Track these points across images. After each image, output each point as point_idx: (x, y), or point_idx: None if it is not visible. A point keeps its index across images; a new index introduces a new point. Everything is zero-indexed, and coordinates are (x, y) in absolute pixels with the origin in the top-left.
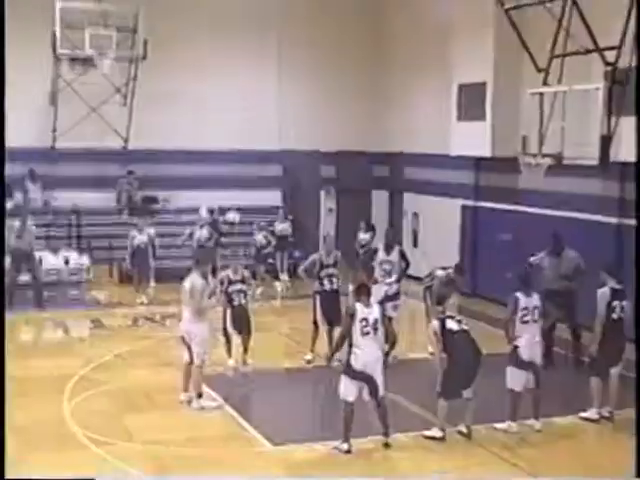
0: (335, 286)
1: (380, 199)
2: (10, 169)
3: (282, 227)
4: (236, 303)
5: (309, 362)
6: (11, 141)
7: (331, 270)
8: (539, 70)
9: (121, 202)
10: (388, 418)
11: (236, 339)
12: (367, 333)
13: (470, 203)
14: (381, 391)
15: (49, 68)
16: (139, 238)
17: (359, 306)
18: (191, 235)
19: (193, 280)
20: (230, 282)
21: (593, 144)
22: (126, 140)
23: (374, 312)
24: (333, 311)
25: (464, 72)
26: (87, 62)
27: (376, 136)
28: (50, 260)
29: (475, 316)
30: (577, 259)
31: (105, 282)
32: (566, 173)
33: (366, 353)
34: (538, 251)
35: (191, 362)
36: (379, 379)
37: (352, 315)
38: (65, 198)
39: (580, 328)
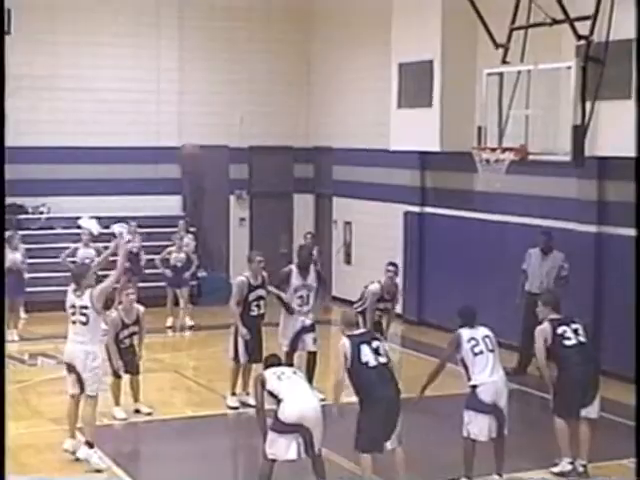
0: (262, 310)
1: (304, 205)
2: None
3: (185, 242)
4: (125, 345)
5: (234, 409)
6: None
7: (260, 292)
8: (497, 46)
9: None
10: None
11: (124, 385)
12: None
13: (415, 209)
14: (318, 444)
15: None
16: (11, 258)
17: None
18: (74, 254)
19: (93, 295)
20: (124, 326)
21: (564, 135)
22: None
23: None
24: (256, 343)
25: (406, 48)
26: None
27: (298, 128)
28: None
29: (422, 348)
30: (562, 262)
31: None
32: (532, 171)
33: (301, 403)
34: (500, 268)
35: (81, 391)
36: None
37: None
38: None
39: None
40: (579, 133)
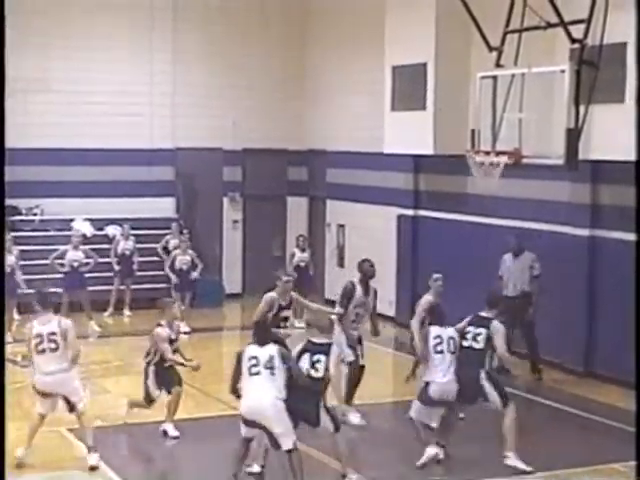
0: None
1: (297, 208)
2: None
3: (176, 243)
4: (169, 363)
5: None
6: None
7: (286, 312)
8: (491, 49)
9: None
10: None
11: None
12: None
13: (408, 212)
14: (286, 442)
15: None
16: (7, 260)
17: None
18: (62, 256)
19: (60, 320)
20: (170, 342)
21: (558, 139)
22: None
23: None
24: None
25: (400, 51)
26: None
27: (292, 130)
28: None
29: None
30: (532, 262)
31: None
32: (525, 175)
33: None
34: (493, 271)
35: (72, 410)
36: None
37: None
38: None
39: (536, 352)
40: (573, 136)
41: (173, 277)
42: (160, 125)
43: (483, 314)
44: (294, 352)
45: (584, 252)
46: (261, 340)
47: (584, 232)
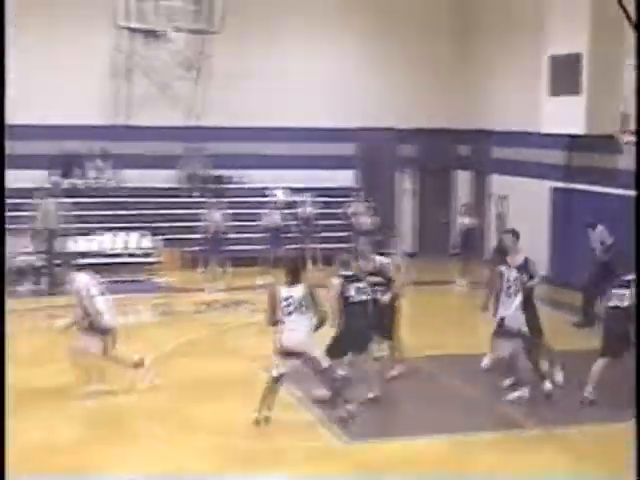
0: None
1: (463, 181)
2: (69, 146)
3: (357, 208)
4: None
5: None
6: (69, 118)
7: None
8: None
9: (191, 181)
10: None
11: None
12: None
13: (561, 185)
14: (320, 361)
15: (113, 41)
16: (211, 220)
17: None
18: (264, 219)
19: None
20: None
21: None
22: (198, 116)
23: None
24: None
25: (557, 41)
26: (154, 35)
27: (458, 112)
28: (108, 242)
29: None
30: (602, 234)
31: (172, 266)
32: None
33: (293, 335)
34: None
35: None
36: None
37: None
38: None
39: None
40: None
41: (357, 238)
42: (342, 106)
43: (625, 277)
44: (334, 285)
45: None
46: (292, 281)
47: None
